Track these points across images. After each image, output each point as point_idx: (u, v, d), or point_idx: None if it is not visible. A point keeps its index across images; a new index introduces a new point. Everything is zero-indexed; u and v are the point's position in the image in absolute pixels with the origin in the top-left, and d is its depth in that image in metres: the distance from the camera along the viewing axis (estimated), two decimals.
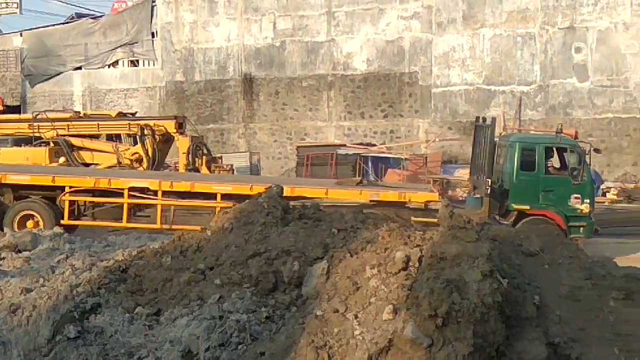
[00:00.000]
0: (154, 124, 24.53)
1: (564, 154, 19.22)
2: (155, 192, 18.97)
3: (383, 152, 31.51)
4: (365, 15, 34.43)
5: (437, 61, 33.59)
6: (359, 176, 29.39)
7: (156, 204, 18.96)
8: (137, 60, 39.79)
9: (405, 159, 30.83)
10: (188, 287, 8.07)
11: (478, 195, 19.52)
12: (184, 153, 24.20)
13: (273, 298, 7.58)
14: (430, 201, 19.46)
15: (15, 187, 20.24)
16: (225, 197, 18.68)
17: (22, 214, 19.57)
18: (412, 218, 17.88)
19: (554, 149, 19.32)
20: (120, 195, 19.06)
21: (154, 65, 39.04)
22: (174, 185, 19.04)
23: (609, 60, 31.31)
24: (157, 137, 24.20)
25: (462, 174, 29.77)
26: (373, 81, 34.52)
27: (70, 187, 19.45)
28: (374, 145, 32.76)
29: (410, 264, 6.73)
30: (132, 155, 24.27)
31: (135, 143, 24.72)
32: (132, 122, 24.90)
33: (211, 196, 18.76)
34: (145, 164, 24.15)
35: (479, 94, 33.01)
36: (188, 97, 37.29)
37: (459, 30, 33.18)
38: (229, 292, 7.72)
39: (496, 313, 6.13)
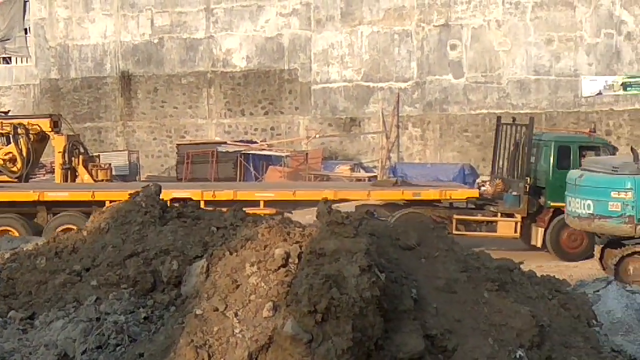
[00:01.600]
0: (28, 122, 23.97)
1: (597, 152, 20.00)
2: (197, 202, 19.22)
3: (264, 149, 31.53)
4: (244, 12, 34.35)
5: (317, 58, 33.79)
6: (240, 173, 29.46)
7: None
8: (10, 58, 38.58)
9: (286, 155, 30.92)
10: (63, 289, 7.89)
11: (515, 193, 20.08)
12: (59, 152, 23.73)
13: (152, 298, 7.47)
14: (471, 198, 20.83)
15: (49, 205, 19.85)
16: (269, 203, 19.41)
17: (60, 228, 19.03)
18: None
19: (588, 147, 20.28)
20: None
21: (27, 62, 37.95)
22: (216, 195, 19.56)
23: (482, 57, 32.13)
24: (31, 136, 23.67)
25: (343, 169, 30.09)
26: (253, 78, 34.48)
27: (111, 201, 19.33)
28: (255, 142, 32.73)
29: (290, 260, 6.73)
30: (6, 155, 23.67)
31: (9, 142, 24.08)
32: (4, 121, 24.24)
33: (255, 204, 19.11)
34: (19, 164, 23.59)
35: (358, 91, 33.36)
36: (64, 94, 36.42)
37: (337, 27, 33.45)
38: (106, 293, 7.57)
39: (374, 307, 6.19)
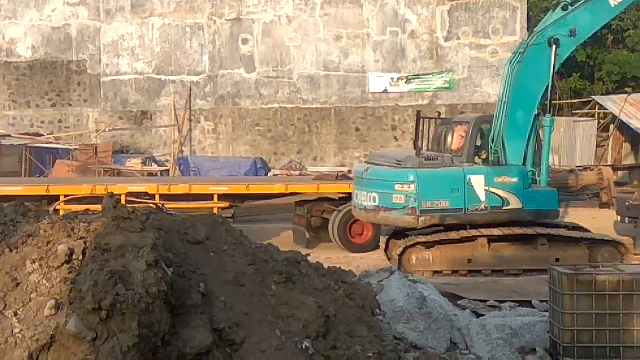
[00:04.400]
0: None
1: None
2: (152, 196, 19.25)
3: (51, 142, 30.59)
4: (29, 0, 33.11)
5: (106, 49, 33.07)
6: (25, 167, 28.44)
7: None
8: None
9: (75, 149, 30.16)
10: None
11: None
12: None
13: None
14: None
15: (2, 200, 18.38)
16: (222, 197, 19.77)
17: None
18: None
19: None
20: None
21: None
22: (171, 188, 19.63)
23: (274, 52, 32.51)
24: None
25: (134, 163, 29.66)
26: (39, 69, 33.33)
27: (65, 195, 18.86)
28: (42, 135, 31.67)
29: (74, 256, 6.56)
30: None
31: None
32: None
33: (208, 197, 19.59)
34: None
35: (150, 83, 32.95)
36: None
37: (127, 18, 32.88)
38: None
39: (161, 302, 6.14)
